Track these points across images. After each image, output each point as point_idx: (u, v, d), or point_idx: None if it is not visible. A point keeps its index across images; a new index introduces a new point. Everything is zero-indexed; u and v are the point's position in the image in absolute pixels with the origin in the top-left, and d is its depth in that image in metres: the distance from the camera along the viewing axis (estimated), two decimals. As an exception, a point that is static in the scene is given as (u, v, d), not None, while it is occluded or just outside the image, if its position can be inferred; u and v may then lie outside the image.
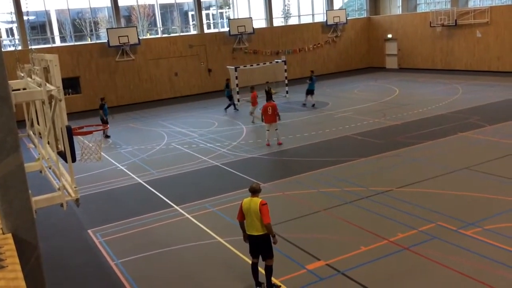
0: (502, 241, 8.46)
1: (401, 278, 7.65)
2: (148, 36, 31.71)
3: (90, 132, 9.71)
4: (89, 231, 10.64)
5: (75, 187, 5.62)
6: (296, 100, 25.52)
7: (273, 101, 18.09)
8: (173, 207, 11.64)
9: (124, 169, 15.30)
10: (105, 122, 19.79)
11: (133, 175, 14.54)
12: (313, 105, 23.10)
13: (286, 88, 27.44)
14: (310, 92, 23.25)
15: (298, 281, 7.76)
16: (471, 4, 32.07)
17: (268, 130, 16.62)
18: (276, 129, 16.68)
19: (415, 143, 15.42)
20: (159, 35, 31.98)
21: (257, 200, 7.33)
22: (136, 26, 29.91)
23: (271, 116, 16.28)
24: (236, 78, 25.96)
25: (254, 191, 7.45)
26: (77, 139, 9.75)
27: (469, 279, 7.40)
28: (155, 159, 16.30)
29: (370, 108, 21.83)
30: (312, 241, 9.19)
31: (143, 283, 8.23)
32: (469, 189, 11.12)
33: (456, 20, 30.90)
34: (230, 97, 24.17)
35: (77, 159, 5.70)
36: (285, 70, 27.57)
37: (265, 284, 7.52)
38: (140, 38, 29.57)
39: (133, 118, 24.82)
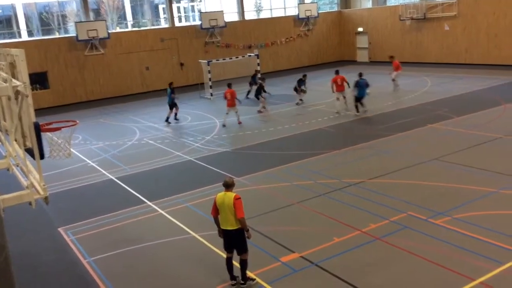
0: (470, 229, 8.69)
1: (374, 267, 7.79)
2: (118, 30, 31.16)
3: (59, 129, 9.47)
4: (59, 229, 10.44)
5: (43, 185, 5.49)
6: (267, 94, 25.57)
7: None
8: (146, 203, 11.53)
9: (95, 166, 15.05)
10: (174, 107, 20.38)
11: (104, 172, 14.32)
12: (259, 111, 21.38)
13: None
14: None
15: (273, 273, 7.81)
16: (439, -2, 32.68)
17: (227, 113, 18.89)
18: (236, 112, 18.96)
19: (386, 135, 15.66)
20: (129, 29, 31.48)
21: (231, 195, 7.32)
22: (105, 20, 29.36)
23: (230, 100, 18.67)
24: (209, 72, 25.81)
25: (228, 186, 7.43)
26: (46, 136, 9.53)
27: (439, 267, 7.58)
28: (127, 155, 16.09)
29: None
30: (286, 234, 9.25)
31: (116, 281, 8.14)
32: (438, 179, 11.37)
33: (425, 14, 31.43)
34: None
35: (45, 156, 5.57)
36: (258, 64, 27.55)
37: (240, 278, 7.54)
38: (110, 31, 29.06)
39: (103, 114, 24.41)
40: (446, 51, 31.15)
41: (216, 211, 7.46)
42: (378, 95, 22.76)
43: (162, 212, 10.89)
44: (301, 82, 22.45)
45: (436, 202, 10.03)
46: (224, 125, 18.83)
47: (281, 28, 35.38)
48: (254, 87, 23.58)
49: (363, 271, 7.70)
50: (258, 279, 7.63)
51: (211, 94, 25.70)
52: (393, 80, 23.61)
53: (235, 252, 7.51)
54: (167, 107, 20.58)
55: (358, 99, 18.63)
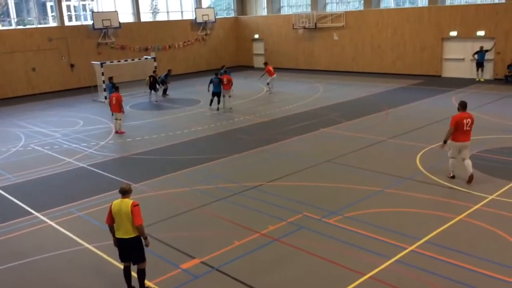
0: (360, 227, 9.28)
1: (273, 268, 7.98)
2: (0, 28, 28.65)
3: None
4: None
5: None
6: (168, 98, 25.14)
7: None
8: (33, 214, 10.69)
9: (-27, 175, 13.66)
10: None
11: (-16, 181, 13.04)
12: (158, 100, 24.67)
13: (157, 86, 26.82)
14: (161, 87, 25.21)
15: (173, 281, 7.66)
16: (328, 9, 34.59)
17: (116, 119, 17.88)
18: (120, 119, 17.88)
19: (283, 138, 16.19)
20: (13, 27, 29.08)
21: (128, 202, 7.06)
22: (-16, 15, 26.81)
23: (114, 106, 17.67)
24: (103, 74, 24.72)
25: (125, 192, 7.16)
26: None
27: (332, 263, 7.99)
28: (10, 163, 14.81)
29: (241, 105, 22.39)
30: (186, 240, 9.14)
31: (-1, 301, 7.45)
32: (331, 180, 12.00)
33: (315, 23, 33.10)
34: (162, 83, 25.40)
35: None
36: (155, 67, 26.98)
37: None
38: (-10, 28, 26.61)
39: (-17, 118, 22.25)
40: (335, 60, 33.08)
41: (111, 219, 7.14)
42: (274, 100, 23.48)
43: (52, 223, 10.18)
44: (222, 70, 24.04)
45: (328, 202, 10.57)
46: (120, 132, 17.81)
47: (178, 31, 35.03)
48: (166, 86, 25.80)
49: (262, 272, 7.86)
50: (157, 288, 7.45)
51: (106, 97, 24.59)
52: (268, 83, 25.52)
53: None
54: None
55: (214, 94, 21.33)
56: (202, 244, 8.91)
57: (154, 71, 25.43)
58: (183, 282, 7.65)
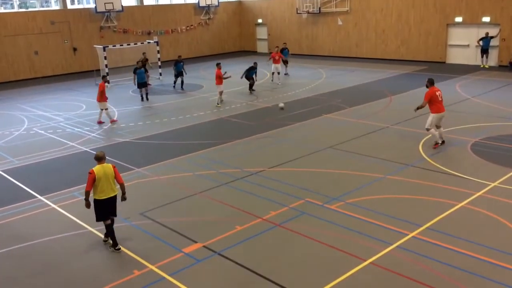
0: (362, 213, 9.32)
1: (274, 253, 8.04)
2: (2, 10, 28.49)
3: None
4: None
5: None
6: (169, 83, 25.09)
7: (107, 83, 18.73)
8: (36, 197, 10.77)
9: (-23, 158, 13.72)
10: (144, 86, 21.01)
11: (-12, 165, 13.11)
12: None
13: (160, 70, 26.83)
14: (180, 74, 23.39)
15: (175, 265, 7.74)
16: (333, -6, 34.23)
17: (101, 109, 17.16)
18: (106, 109, 17.14)
19: (285, 124, 16.17)
20: (15, 10, 28.92)
21: (109, 165, 8.15)
22: (-14, -2, 26.67)
23: (97, 95, 17.01)
24: (105, 58, 24.65)
25: (101, 158, 8.15)
26: None
27: (334, 249, 8.04)
28: (14, 146, 14.86)
29: (243, 91, 22.30)
30: (189, 224, 9.20)
31: (2, 283, 7.52)
32: (333, 166, 12.01)
33: (320, 8, 32.80)
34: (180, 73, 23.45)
35: None
36: (158, 52, 26.89)
37: (111, 241, 8.27)
38: (-8, 11, 26.48)
39: (-15, 101, 22.27)
40: (339, 45, 32.84)
41: (92, 185, 7.93)
42: (277, 86, 23.38)
43: (55, 206, 10.25)
44: (252, 70, 21.82)
45: (331, 188, 10.60)
46: (99, 122, 17.19)
47: (181, 15, 34.79)
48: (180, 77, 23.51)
49: (264, 257, 7.91)
50: (160, 272, 7.52)
51: (108, 82, 24.56)
52: (277, 73, 23.89)
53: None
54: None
55: (249, 78, 21.62)
56: (204, 229, 8.97)
57: (144, 53, 24.36)
58: (186, 265, 7.72)
